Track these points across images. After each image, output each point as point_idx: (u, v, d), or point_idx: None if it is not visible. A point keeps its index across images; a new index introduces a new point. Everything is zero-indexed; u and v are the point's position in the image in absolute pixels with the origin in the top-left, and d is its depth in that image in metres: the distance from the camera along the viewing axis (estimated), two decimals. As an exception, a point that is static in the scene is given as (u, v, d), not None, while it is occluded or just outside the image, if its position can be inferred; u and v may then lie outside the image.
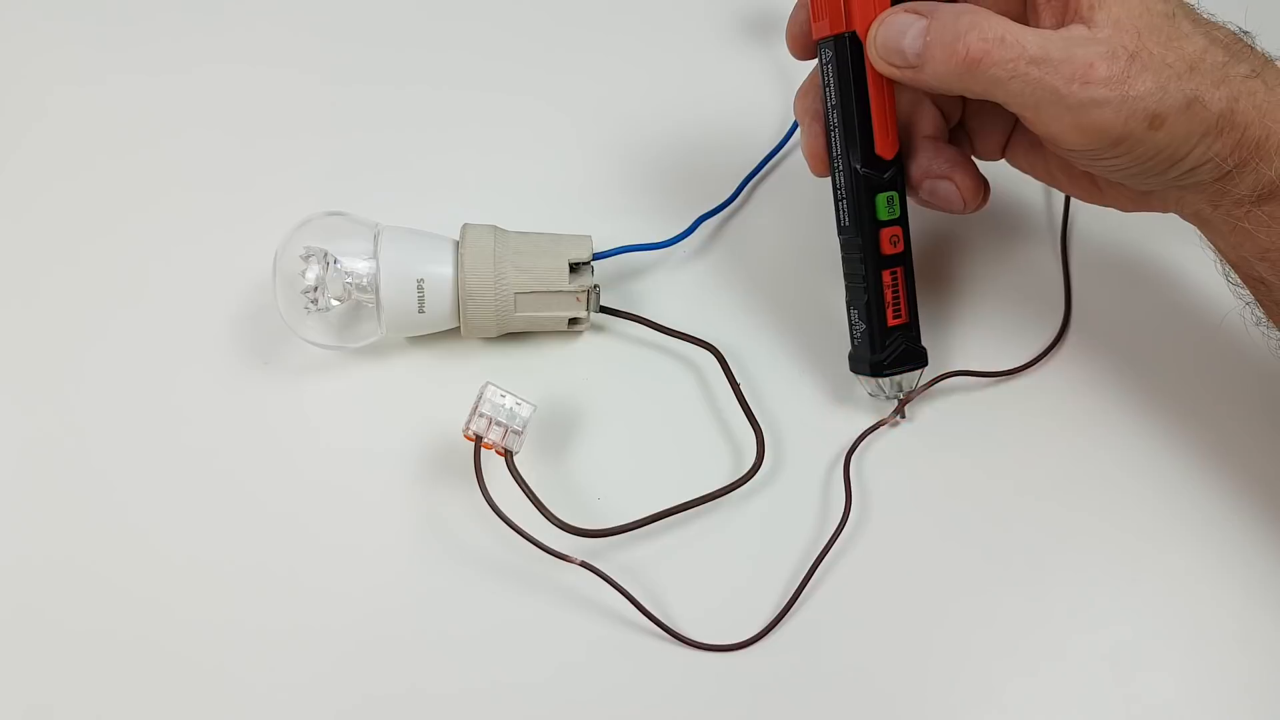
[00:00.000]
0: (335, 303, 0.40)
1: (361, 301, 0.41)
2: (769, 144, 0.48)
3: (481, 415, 0.37)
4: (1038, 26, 0.34)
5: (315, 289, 0.40)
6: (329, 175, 0.47)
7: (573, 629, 0.37)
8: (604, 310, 0.42)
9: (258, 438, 0.41)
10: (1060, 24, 0.33)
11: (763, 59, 0.52)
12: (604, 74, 0.51)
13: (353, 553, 0.39)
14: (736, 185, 0.46)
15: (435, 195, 0.46)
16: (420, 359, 0.43)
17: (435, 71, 0.50)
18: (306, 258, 0.40)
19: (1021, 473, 0.41)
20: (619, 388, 0.42)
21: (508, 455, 0.37)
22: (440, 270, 0.40)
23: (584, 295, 0.41)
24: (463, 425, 0.37)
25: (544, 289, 0.40)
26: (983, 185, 0.39)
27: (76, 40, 0.51)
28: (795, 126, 0.48)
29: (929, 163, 0.38)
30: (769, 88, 0.51)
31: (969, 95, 0.35)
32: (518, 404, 0.37)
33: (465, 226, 0.41)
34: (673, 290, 0.45)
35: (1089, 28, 0.32)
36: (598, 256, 0.41)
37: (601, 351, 0.43)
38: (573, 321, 0.42)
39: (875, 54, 0.35)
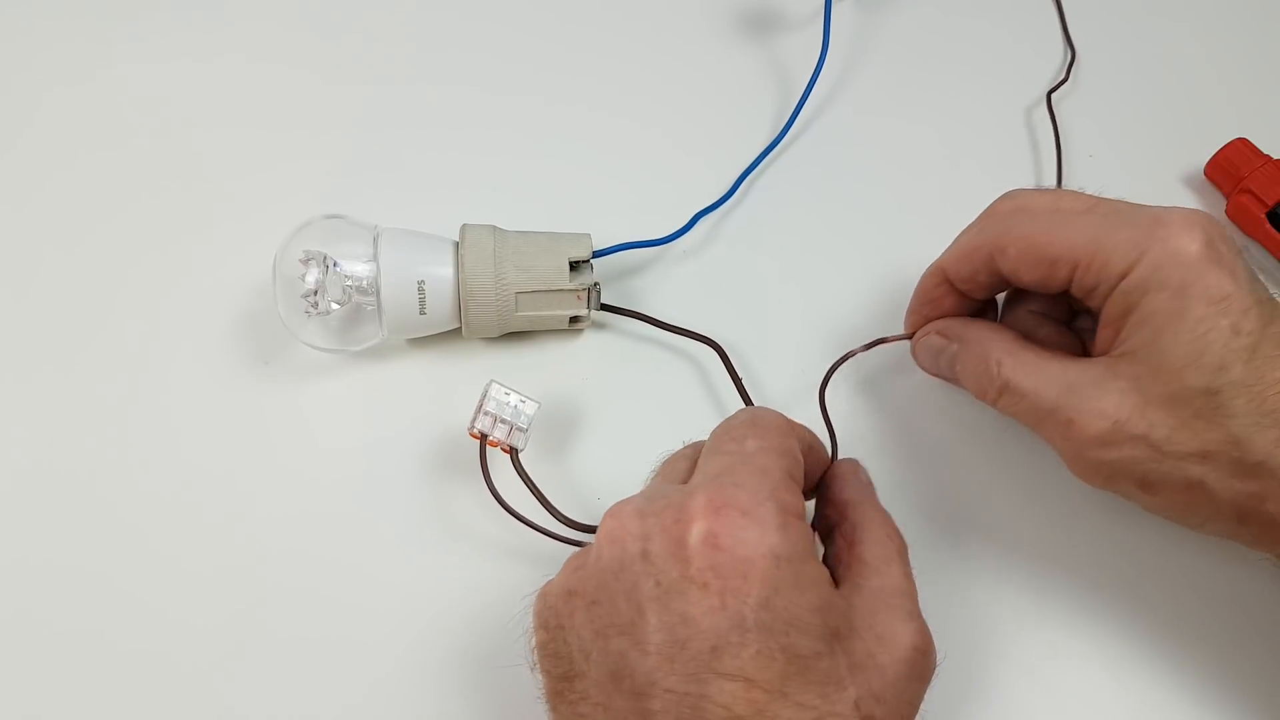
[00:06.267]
0: (335, 306, 0.40)
1: (362, 304, 0.41)
2: (766, 139, 0.48)
3: (486, 413, 0.37)
4: (1098, 341, 0.33)
5: (315, 292, 0.40)
6: (328, 175, 0.47)
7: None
8: (605, 308, 0.42)
9: (259, 442, 0.41)
10: (1107, 350, 0.32)
11: (759, 55, 0.52)
12: (601, 71, 0.51)
13: (359, 555, 0.38)
14: (734, 181, 0.47)
15: (434, 195, 0.46)
16: (421, 360, 0.43)
17: (433, 71, 0.51)
18: (306, 261, 0.40)
19: (1027, 473, 0.40)
20: (621, 384, 0.42)
21: (513, 453, 0.37)
22: (440, 271, 0.39)
23: (584, 293, 0.41)
24: (468, 423, 0.37)
25: (545, 288, 0.40)
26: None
27: (73, 36, 0.51)
28: (792, 120, 0.48)
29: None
30: (765, 83, 0.51)
31: None
32: (522, 401, 0.37)
33: (464, 227, 0.40)
34: (672, 286, 0.45)
35: (1114, 373, 0.31)
36: (597, 254, 0.41)
37: (603, 349, 0.43)
38: (574, 320, 0.42)
39: (919, 363, 0.39)
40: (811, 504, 0.35)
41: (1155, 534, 0.39)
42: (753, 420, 0.32)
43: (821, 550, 0.34)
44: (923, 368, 0.39)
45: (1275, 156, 0.46)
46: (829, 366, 0.40)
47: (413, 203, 0.46)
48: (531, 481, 0.37)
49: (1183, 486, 0.30)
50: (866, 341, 0.39)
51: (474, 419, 0.37)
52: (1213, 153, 0.47)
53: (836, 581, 0.30)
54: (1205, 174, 0.48)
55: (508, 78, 0.50)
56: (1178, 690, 0.37)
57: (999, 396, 0.34)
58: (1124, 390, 0.30)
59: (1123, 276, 0.31)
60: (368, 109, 0.49)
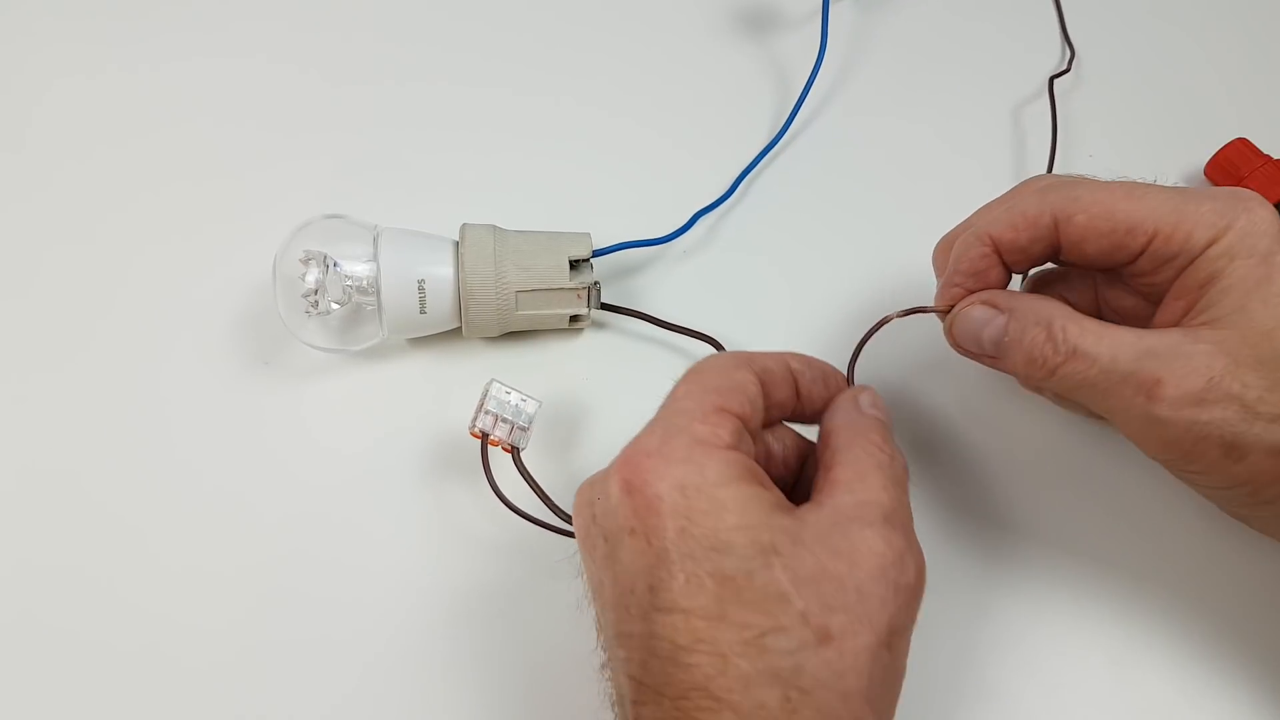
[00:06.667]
0: (335, 306, 0.40)
1: (362, 304, 0.41)
2: (765, 138, 0.49)
3: (487, 412, 0.37)
4: (1163, 315, 0.33)
5: (315, 292, 0.40)
6: (329, 174, 0.47)
7: (588, 624, 0.37)
8: (605, 307, 0.42)
9: (259, 442, 0.41)
10: (1177, 322, 0.32)
11: (758, 54, 0.52)
12: (600, 71, 0.51)
13: (361, 556, 0.38)
14: (733, 180, 0.47)
15: (434, 195, 0.46)
16: (422, 360, 0.43)
17: (433, 71, 0.51)
18: (306, 261, 0.40)
19: (1027, 468, 0.40)
20: (621, 383, 0.42)
21: (514, 451, 0.37)
22: (441, 271, 0.39)
23: (584, 292, 0.41)
24: (469, 423, 0.37)
25: (545, 287, 0.40)
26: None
27: (74, 35, 0.51)
28: (791, 120, 0.48)
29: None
30: (764, 83, 0.51)
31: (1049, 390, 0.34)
32: (523, 400, 0.37)
33: (464, 226, 0.41)
34: (672, 285, 0.45)
35: (1194, 338, 0.31)
36: (597, 253, 0.41)
37: (603, 348, 0.43)
38: (574, 319, 0.42)
39: (952, 340, 0.36)
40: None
41: (1161, 531, 0.39)
42: (694, 368, 0.32)
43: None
44: (956, 344, 0.36)
45: (1275, 156, 0.46)
46: (861, 336, 0.38)
47: (413, 203, 0.46)
48: (533, 480, 0.37)
49: (1271, 451, 0.30)
50: (903, 308, 0.38)
51: (475, 418, 0.37)
52: (1213, 153, 0.47)
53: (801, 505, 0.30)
54: (1205, 174, 0.48)
55: (507, 78, 0.51)
56: (1181, 687, 0.36)
57: (1064, 363, 0.32)
58: (1210, 353, 0.30)
59: (1208, 245, 0.31)
60: (368, 109, 0.49)
